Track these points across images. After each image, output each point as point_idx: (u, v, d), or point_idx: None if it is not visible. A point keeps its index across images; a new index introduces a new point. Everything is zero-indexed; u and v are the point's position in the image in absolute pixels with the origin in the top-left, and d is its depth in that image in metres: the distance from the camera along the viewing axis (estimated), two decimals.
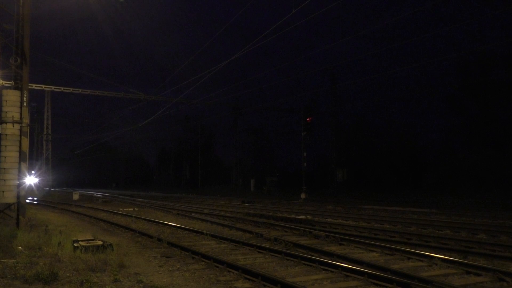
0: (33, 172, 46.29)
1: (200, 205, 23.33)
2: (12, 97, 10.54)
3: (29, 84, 11.25)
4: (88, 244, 7.92)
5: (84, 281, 5.74)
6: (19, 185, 10.11)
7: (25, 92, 10.72)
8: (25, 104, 10.68)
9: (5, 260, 6.94)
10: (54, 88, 35.64)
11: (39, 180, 46.47)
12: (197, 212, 17.97)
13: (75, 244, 8.00)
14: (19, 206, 10.51)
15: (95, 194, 39.23)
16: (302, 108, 33.16)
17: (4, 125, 10.36)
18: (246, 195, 36.60)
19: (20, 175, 10.04)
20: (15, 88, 10.88)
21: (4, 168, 10.27)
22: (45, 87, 35.50)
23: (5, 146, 10.32)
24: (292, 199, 29.28)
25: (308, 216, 15.02)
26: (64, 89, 35.57)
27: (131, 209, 20.41)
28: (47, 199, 29.88)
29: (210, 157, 68.24)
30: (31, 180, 47.19)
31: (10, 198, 10.39)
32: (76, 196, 29.80)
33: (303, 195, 30.04)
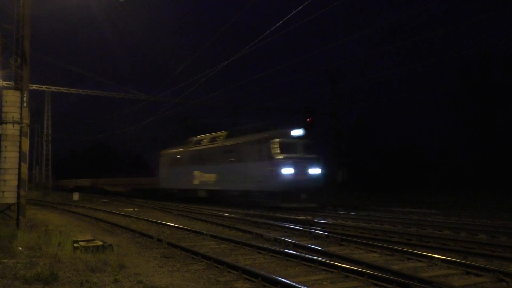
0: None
1: (200, 205, 23.31)
2: (12, 97, 10.54)
3: (29, 85, 11.24)
4: (88, 245, 7.93)
5: (84, 281, 5.74)
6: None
7: (25, 92, 10.72)
8: (25, 104, 10.68)
9: (5, 260, 6.95)
10: (54, 88, 35.61)
11: None
12: (197, 212, 17.97)
13: (75, 245, 8.01)
14: (19, 207, 10.51)
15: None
16: (302, 108, 33.04)
17: (4, 125, 10.37)
18: None
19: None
20: (15, 88, 10.88)
21: (4, 169, 10.27)
22: (45, 87, 35.48)
23: (5, 146, 10.32)
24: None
25: (308, 217, 15.01)
26: (64, 89, 35.55)
27: (131, 209, 20.41)
28: None
29: None
30: None
31: (10, 198, 10.40)
32: (76, 197, 29.80)
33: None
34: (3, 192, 10.24)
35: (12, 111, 10.46)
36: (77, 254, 7.50)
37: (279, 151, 18.49)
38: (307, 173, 18.86)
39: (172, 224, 12.94)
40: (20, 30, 10.89)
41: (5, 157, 10.28)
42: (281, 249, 8.29)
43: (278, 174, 18.17)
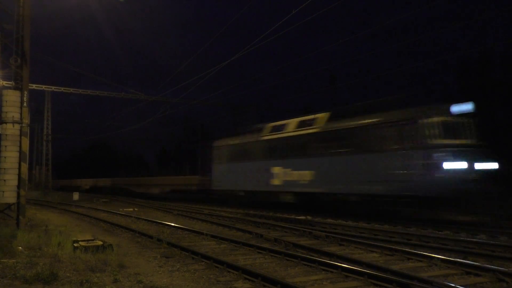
0: None
1: (200, 205, 23.32)
2: (12, 97, 10.55)
3: (29, 84, 11.26)
4: (88, 244, 7.93)
5: (84, 281, 5.74)
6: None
7: (25, 92, 10.73)
8: (25, 104, 10.68)
9: (5, 260, 6.95)
10: (54, 88, 35.65)
11: None
12: (197, 212, 17.98)
13: (75, 244, 8.01)
14: (19, 206, 10.51)
15: None
16: (301, 108, 33.10)
17: (4, 125, 10.37)
18: None
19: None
20: (15, 88, 10.88)
21: (4, 169, 10.28)
22: (45, 87, 35.51)
23: (5, 146, 10.33)
24: None
25: (308, 217, 15.00)
26: (64, 89, 35.59)
27: (131, 209, 20.42)
28: None
29: None
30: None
31: (10, 198, 10.40)
32: (76, 197, 29.82)
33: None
34: (3, 192, 10.24)
35: (12, 111, 10.46)
36: (77, 254, 7.50)
37: (437, 135, 12.22)
38: (478, 169, 12.18)
39: (172, 224, 12.94)
40: (20, 30, 10.89)
41: (5, 157, 10.29)
42: (281, 249, 8.30)
43: (438, 170, 11.93)
